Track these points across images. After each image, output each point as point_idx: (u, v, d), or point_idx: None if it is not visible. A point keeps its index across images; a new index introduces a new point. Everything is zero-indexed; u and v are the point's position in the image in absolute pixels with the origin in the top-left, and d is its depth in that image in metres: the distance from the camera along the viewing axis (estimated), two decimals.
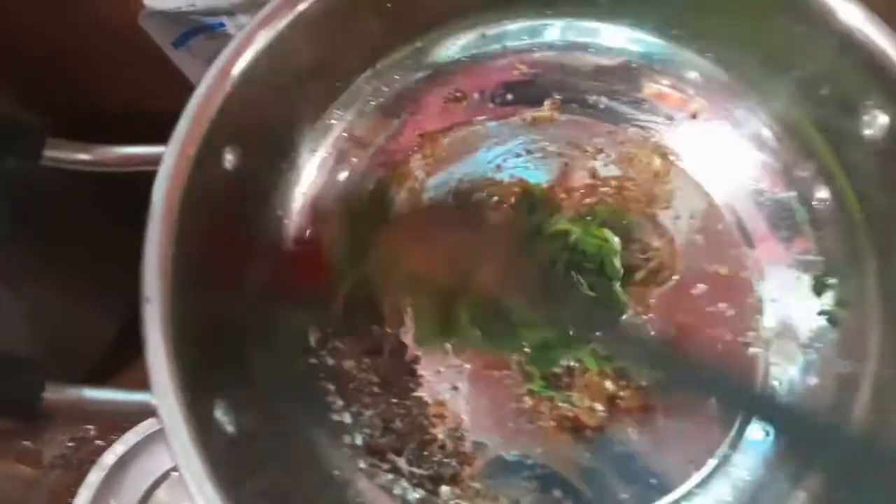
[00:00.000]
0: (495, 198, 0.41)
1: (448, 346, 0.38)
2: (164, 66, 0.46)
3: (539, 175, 0.41)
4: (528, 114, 0.42)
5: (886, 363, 0.36)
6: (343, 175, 0.41)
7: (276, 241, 0.39)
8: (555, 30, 0.42)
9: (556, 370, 0.37)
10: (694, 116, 0.41)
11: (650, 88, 0.41)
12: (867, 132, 0.35)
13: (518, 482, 0.36)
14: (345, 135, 0.41)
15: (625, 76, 0.42)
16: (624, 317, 0.38)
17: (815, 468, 0.35)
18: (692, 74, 0.41)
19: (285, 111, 0.37)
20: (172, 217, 0.30)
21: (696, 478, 0.36)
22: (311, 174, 0.40)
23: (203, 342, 0.31)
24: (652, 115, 0.42)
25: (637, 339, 0.37)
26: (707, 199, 0.40)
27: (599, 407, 0.36)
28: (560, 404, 0.37)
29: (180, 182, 0.30)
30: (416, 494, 0.36)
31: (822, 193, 0.38)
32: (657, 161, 0.41)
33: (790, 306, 0.38)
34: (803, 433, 0.35)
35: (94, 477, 0.50)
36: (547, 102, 0.42)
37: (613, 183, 0.41)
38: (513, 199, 0.40)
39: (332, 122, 0.40)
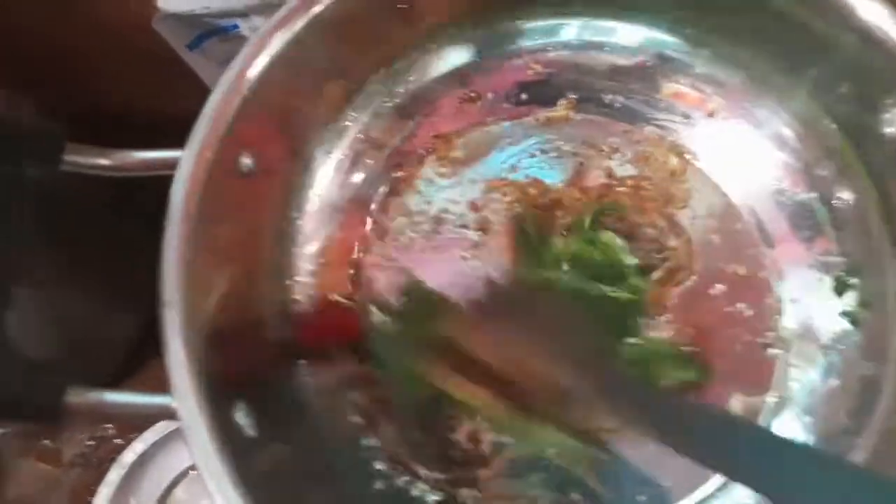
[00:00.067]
0: (508, 198, 0.41)
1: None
2: (170, 67, 0.47)
3: (554, 175, 0.41)
4: (543, 113, 0.42)
5: None
6: (358, 177, 0.41)
7: (291, 254, 0.38)
8: (571, 29, 0.42)
9: None
10: (711, 115, 0.41)
11: (667, 88, 0.41)
12: (888, 130, 0.35)
13: (536, 483, 0.36)
14: (360, 136, 0.41)
15: (641, 75, 0.41)
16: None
17: None
18: (710, 73, 0.40)
19: (301, 114, 0.37)
20: (190, 221, 0.30)
21: (717, 480, 0.36)
22: (327, 176, 0.40)
23: (222, 345, 0.31)
24: (668, 114, 0.41)
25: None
26: (725, 198, 0.40)
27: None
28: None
29: (198, 186, 0.30)
30: (434, 497, 0.36)
31: (844, 193, 0.38)
32: (674, 160, 0.41)
33: (811, 307, 0.38)
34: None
35: (114, 475, 0.50)
36: (562, 102, 0.42)
37: (630, 182, 0.41)
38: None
39: (348, 123, 0.40)
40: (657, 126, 0.41)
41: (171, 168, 0.30)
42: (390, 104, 0.41)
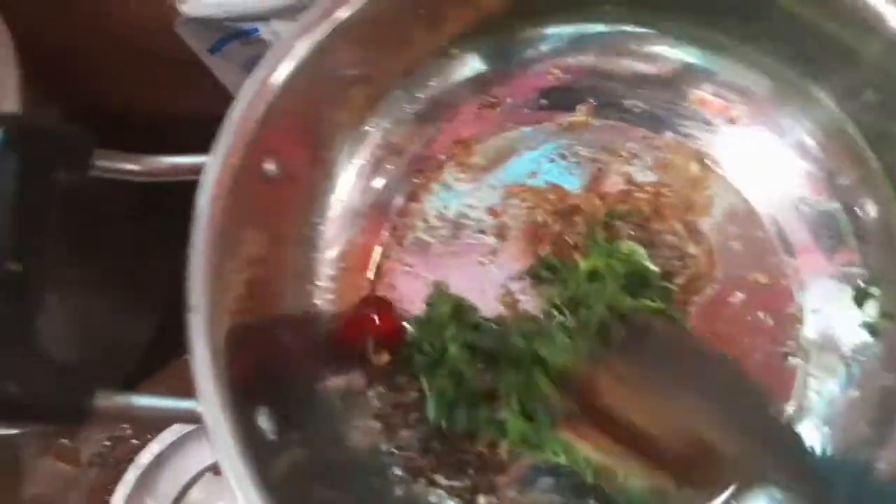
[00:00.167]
0: (527, 203, 0.41)
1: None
2: (178, 69, 0.47)
3: (573, 181, 0.41)
4: (563, 119, 0.42)
5: None
6: (379, 182, 0.41)
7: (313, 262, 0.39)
8: (594, 36, 0.41)
9: None
10: (733, 122, 0.41)
11: (690, 94, 0.41)
12: None
13: (553, 490, 0.36)
14: (381, 142, 0.41)
15: (663, 82, 0.41)
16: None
17: None
18: (734, 81, 0.40)
19: (324, 120, 0.37)
20: (216, 226, 0.30)
21: (732, 488, 0.35)
22: (349, 181, 0.40)
23: (245, 350, 0.31)
24: (690, 121, 0.41)
25: None
26: (747, 206, 0.40)
27: None
28: None
29: (223, 191, 0.30)
30: (452, 503, 0.36)
31: (867, 203, 0.38)
32: (694, 167, 0.41)
33: (832, 317, 0.37)
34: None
35: (131, 475, 0.51)
36: (581, 107, 0.42)
37: (649, 189, 0.40)
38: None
39: (369, 129, 0.40)
40: (678, 132, 0.41)
41: (198, 173, 0.30)
42: (411, 110, 0.41)
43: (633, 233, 0.40)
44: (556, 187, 0.41)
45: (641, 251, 0.38)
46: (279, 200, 0.35)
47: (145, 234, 0.49)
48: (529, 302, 0.39)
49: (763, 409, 0.33)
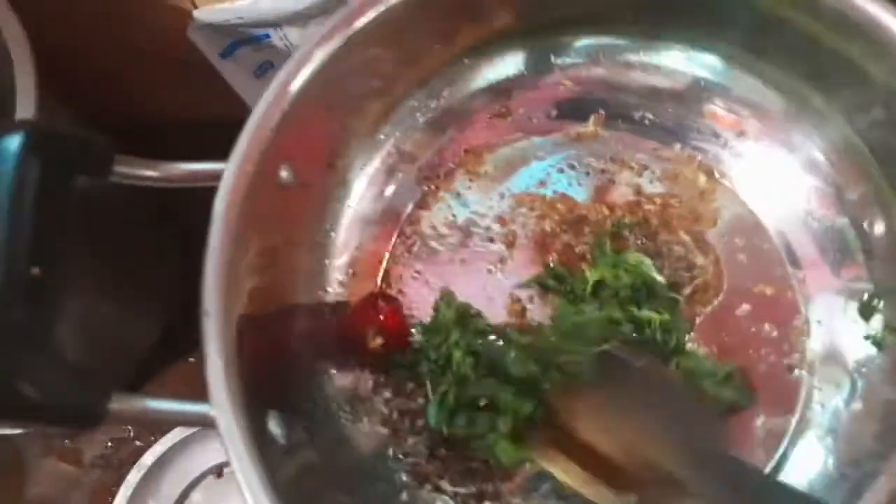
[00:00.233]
0: (536, 212, 0.41)
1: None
2: (188, 76, 0.47)
3: (582, 191, 0.41)
4: (573, 129, 0.42)
5: None
6: (390, 189, 0.41)
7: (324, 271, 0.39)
8: (605, 48, 0.42)
9: None
10: (743, 136, 0.41)
11: (701, 108, 0.41)
12: None
13: (556, 497, 0.36)
14: (394, 150, 0.41)
15: (675, 95, 0.41)
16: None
17: None
18: (746, 96, 0.40)
19: (339, 128, 0.38)
20: (231, 232, 0.30)
21: None
22: (361, 188, 0.40)
23: (258, 355, 0.31)
24: (699, 134, 0.41)
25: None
26: (754, 219, 0.40)
27: None
28: None
29: (239, 197, 0.31)
30: None
31: (875, 219, 0.38)
32: (702, 179, 0.41)
33: (837, 330, 0.38)
34: None
35: (134, 477, 0.51)
36: (591, 118, 0.42)
37: (658, 200, 0.41)
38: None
39: (382, 137, 0.41)
40: (687, 145, 0.41)
41: (216, 180, 0.30)
42: (423, 119, 0.41)
43: (640, 243, 0.40)
44: (564, 197, 0.41)
45: (648, 262, 0.38)
46: (293, 207, 0.36)
47: (149, 238, 0.49)
48: (537, 310, 0.39)
49: (718, 439, 0.34)
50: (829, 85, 0.37)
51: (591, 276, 0.38)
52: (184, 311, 0.52)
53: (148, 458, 0.51)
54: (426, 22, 0.37)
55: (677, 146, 0.42)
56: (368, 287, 0.39)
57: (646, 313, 0.37)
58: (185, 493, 0.53)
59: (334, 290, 0.39)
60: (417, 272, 0.40)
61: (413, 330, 0.38)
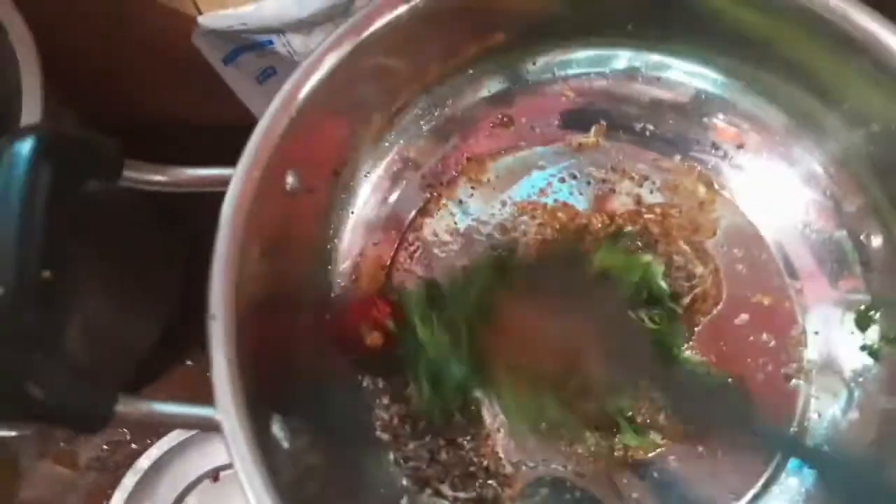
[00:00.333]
0: (537, 220, 0.41)
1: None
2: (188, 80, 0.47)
3: (583, 200, 0.42)
4: (575, 139, 0.43)
5: None
6: (394, 197, 0.41)
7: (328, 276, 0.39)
8: (608, 60, 0.42)
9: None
10: (742, 147, 0.42)
11: (703, 121, 0.42)
12: None
13: (556, 503, 0.37)
14: (398, 157, 0.41)
15: (677, 108, 0.42)
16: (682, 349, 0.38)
17: None
18: (748, 110, 0.41)
19: (346, 135, 0.38)
20: (238, 237, 0.30)
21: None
22: (365, 194, 0.41)
23: (262, 359, 0.31)
24: (700, 146, 0.42)
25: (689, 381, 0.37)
26: (753, 230, 0.40)
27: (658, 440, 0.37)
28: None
29: (246, 202, 0.31)
30: None
31: (873, 231, 0.38)
32: (702, 190, 0.41)
33: (834, 341, 0.38)
34: (841, 475, 0.35)
35: (129, 480, 0.51)
36: (593, 128, 0.43)
37: (658, 210, 0.41)
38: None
39: (387, 144, 0.41)
40: (687, 156, 0.42)
41: (223, 185, 0.30)
42: (427, 127, 0.42)
43: (640, 252, 0.40)
44: (566, 206, 0.41)
45: (658, 269, 0.39)
46: (298, 212, 0.36)
47: (156, 241, 0.49)
48: None
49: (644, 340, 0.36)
50: (829, 100, 0.38)
51: (597, 259, 0.39)
52: (184, 312, 0.52)
53: (144, 462, 0.51)
54: (433, 33, 0.37)
55: (677, 157, 0.42)
56: (371, 292, 0.40)
57: (643, 317, 0.37)
58: (181, 497, 0.52)
59: (337, 294, 0.39)
60: (420, 279, 0.40)
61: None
